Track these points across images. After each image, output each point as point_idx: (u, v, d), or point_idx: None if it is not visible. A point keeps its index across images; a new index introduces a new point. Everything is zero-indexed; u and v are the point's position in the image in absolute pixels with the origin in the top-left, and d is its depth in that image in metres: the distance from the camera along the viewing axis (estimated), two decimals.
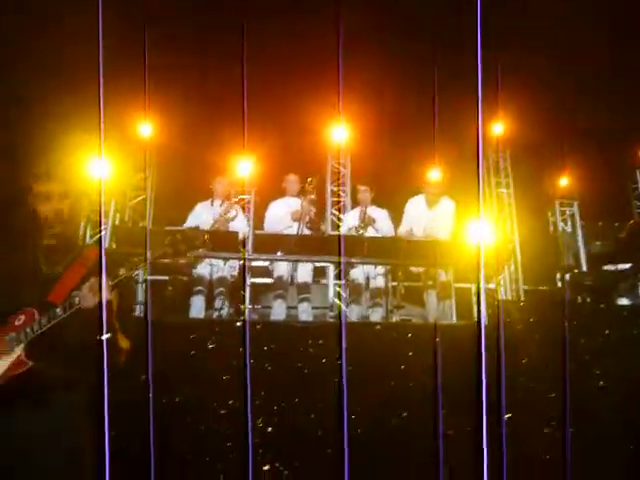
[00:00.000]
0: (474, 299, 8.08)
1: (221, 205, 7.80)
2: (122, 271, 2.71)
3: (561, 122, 8.00)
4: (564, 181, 9.17)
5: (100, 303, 2.62)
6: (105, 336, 2.70)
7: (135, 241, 6.80)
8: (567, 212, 9.18)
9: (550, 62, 7.65)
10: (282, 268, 7.49)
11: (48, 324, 2.69)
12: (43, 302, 2.77)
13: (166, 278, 7.19)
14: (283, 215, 7.77)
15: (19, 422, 2.70)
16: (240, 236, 7.43)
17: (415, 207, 8.03)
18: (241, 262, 7.33)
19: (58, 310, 2.69)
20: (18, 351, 2.70)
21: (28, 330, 2.71)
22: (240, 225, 7.73)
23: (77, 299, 2.68)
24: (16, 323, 2.75)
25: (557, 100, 7.87)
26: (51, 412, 2.72)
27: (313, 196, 7.67)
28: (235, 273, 7.63)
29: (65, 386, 2.77)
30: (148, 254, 2.72)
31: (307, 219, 7.66)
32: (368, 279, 7.60)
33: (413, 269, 7.74)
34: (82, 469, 2.71)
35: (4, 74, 6.00)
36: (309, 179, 7.77)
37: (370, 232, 7.60)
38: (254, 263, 7.76)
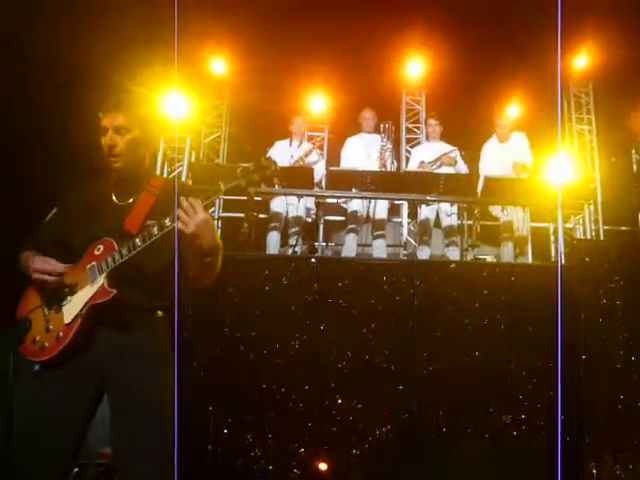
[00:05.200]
0: (552, 239, 7.93)
1: (299, 146, 7.75)
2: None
3: None
4: None
5: (197, 225, 2.60)
6: (176, 270, 2.72)
7: (210, 177, 6.88)
8: None
9: None
10: (357, 203, 7.43)
11: (129, 254, 2.71)
12: (120, 231, 2.79)
13: (241, 215, 7.25)
14: (360, 151, 7.71)
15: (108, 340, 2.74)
16: (317, 179, 7.44)
17: (489, 145, 7.89)
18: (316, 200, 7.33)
19: (137, 240, 2.70)
20: (101, 280, 2.73)
21: (109, 260, 2.73)
22: (320, 167, 7.71)
23: (155, 229, 2.68)
24: (96, 252, 2.78)
25: None
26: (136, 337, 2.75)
27: (390, 144, 7.63)
28: (312, 213, 7.64)
29: (148, 312, 2.81)
30: (221, 185, 2.67)
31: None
32: (438, 217, 7.50)
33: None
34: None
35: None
36: (382, 125, 7.71)
37: (443, 169, 7.47)
38: (329, 200, 7.75)
